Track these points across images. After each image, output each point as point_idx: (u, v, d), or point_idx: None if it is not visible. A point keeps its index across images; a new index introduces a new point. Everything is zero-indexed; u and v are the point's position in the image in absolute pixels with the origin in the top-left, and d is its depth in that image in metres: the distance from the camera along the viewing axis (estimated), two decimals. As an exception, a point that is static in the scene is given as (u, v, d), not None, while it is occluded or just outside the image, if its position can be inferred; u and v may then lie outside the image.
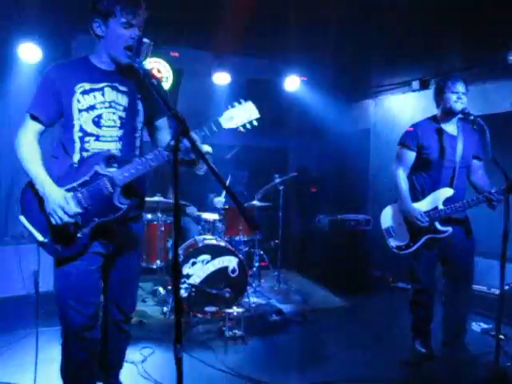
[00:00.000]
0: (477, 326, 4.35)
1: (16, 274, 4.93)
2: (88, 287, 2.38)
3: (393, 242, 3.65)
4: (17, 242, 5.05)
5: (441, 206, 3.45)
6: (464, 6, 4.32)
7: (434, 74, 5.53)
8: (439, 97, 3.51)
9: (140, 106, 2.41)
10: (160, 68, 5.99)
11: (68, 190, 2.26)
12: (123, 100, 2.36)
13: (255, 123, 2.24)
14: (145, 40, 2.22)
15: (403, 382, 3.42)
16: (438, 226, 3.46)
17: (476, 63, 5.01)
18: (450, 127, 3.53)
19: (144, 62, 2.23)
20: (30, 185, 2.32)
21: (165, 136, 2.54)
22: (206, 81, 6.21)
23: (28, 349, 3.73)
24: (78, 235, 2.27)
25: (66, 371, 2.50)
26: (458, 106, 3.39)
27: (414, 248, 3.54)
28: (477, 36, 4.68)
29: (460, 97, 3.39)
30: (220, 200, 5.30)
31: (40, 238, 2.28)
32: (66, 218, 2.21)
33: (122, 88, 2.37)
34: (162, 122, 2.56)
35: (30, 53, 5.10)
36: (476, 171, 3.59)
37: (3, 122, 5.42)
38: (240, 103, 2.25)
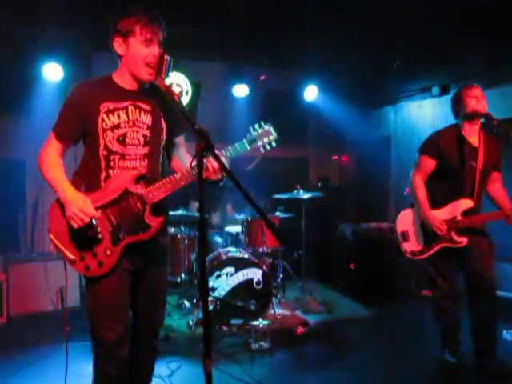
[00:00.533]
0: (508, 335, 4.25)
1: (43, 291, 5.01)
2: (119, 304, 2.39)
3: (407, 247, 3.63)
4: (44, 259, 5.14)
5: (459, 217, 3.41)
6: (483, 10, 4.30)
7: (454, 79, 5.48)
8: (458, 105, 3.47)
9: (163, 124, 2.43)
10: (179, 82, 6.06)
11: (97, 208, 2.28)
12: (147, 118, 2.38)
13: (274, 145, 2.36)
14: (166, 57, 2.24)
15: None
16: (454, 237, 3.42)
17: (495, 67, 4.95)
18: (472, 138, 3.47)
19: (165, 79, 2.26)
20: (58, 202, 2.34)
21: (181, 153, 2.58)
22: (225, 93, 6.26)
23: (56, 364, 3.78)
24: (108, 253, 2.29)
25: None
26: (480, 107, 3.35)
27: (427, 254, 3.51)
28: (496, 39, 4.64)
29: (480, 100, 3.36)
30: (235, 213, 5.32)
31: (71, 256, 2.30)
32: (86, 220, 2.22)
33: (145, 107, 2.39)
34: (181, 139, 2.60)
35: (52, 72, 5.25)
36: (494, 182, 3.55)
37: (28, 139, 5.54)
38: (261, 126, 2.35)
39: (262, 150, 2.35)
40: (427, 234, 3.51)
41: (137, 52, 2.28)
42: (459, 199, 3.43)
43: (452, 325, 3.62)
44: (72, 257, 2.29)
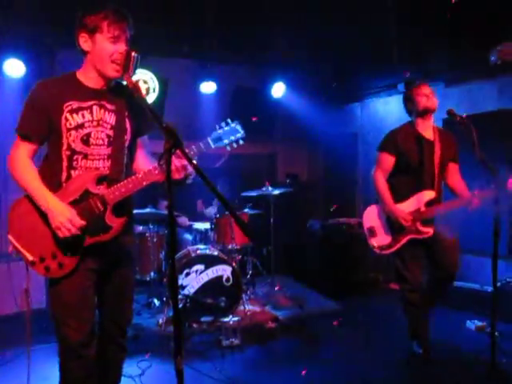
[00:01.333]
0: (471, 324, 4.38)
1: (7, 293, 4.87)
2: (83, 304, 2.35)
3: (375, 242, 3.71)
4: (7, 260, 4.99)
5: (423, 208, 3.51)
6: (448, 8, 4.39)
7: (420, 75, 5.58)
8: (410, 104, 3.62)
9: (127, 124, 2.41)
10: (146, 79, 5.98)
11: None
12: (111, 118, 2.36)
13: (241, 142, 2.35)
14: (133, 54, 2.22)
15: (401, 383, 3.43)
16: (420, 227, 3.51)
17: (460, 64, 5.07)
18: (427, 132, 3.61)
19: (132, 76, 2.23)
20: (19, 203, 2.31)
21: (142, 154, 2.56)
22: (193, 90, 6.22)
23: (21, 367, 3.69)
24: (68, 254, 2.26)
25: None
26: (431, 104, 3.50)
27: (395, 248, 3.59)
28: (460, 37, 4.75)
29: (429, 97, 3.50)
30: (211, 209, 5.30)
31: (30, 257, 2.25)
32: (73, 230, 2.20)
33: (109, 106, 2.36)
34: (144, 140, 2.58)
35: (14, 68, 5.07)
36: (453, 174, 3.68)
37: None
38: (227, 124, 2.33)
39: (228, 148, 2.33)
40: (394, 227, 3.59)
41: (103, 48, 2.24)
42: (421, 191, 3.54)
43: (419, 317, 3.70)
44: (31, 258, 2.25)
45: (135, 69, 2.24)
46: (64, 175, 2.31)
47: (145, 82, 5.93)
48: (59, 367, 2.45)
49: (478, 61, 4.72)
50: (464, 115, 3.34)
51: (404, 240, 3.57)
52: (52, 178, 2.31)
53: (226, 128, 2.32)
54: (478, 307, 4.55)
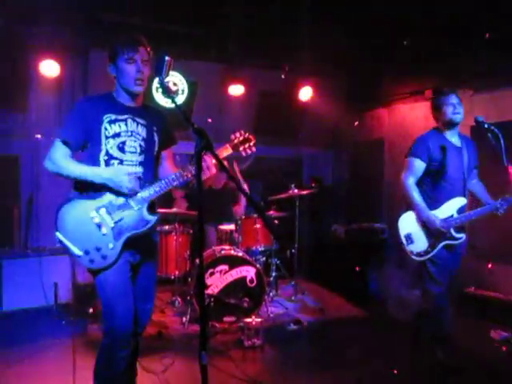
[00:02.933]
0: (495, 334, 4.32)
1: (37, 286, 5.03)
2: (128, 293, 2.56)
3: (412, 248, 3.68)
4: (38, 255, 5.15)
5: (456, 215, 3.53)
6: (476, 15, 4.37)
7: (447, 82, 5.54)
8: (438, 112, 3.64)
9: (156, 138, 2.71)
10: (175, 81, 6.10)
11: (99, 208, 2.50)
12: (142, 131, 2.66)
13: (254, 149, 2.71)
14: (166, 58, 2.34)
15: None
16: (454, 233, 3.53)
17: (489, 71, 5.03)
18: (454, 139, 3.65)
19: (166, 78, 2.38)
20: (67, 203, 2.53)
21: (167, 164, 2.85)
22: (220, 93, 6.30)
23: (50, 359, 3.83)
24: (111, 246, 2.48)
25: (103, 381, 2.60)
26: (457, 118, 3.54)
27: (432, 254, 3.59)
28: (488, 44, 4.71)
29: (456, 107, 3.53)
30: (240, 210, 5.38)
31: (77, 252, 2.47)
32: (133, 182, 2.50)
33: (141, 121, 2.66)
34: (169, 152, 2.87)
35: (49, 69, 5.22)
36: (472, 178, 3.74)
37: (24, 135, 5.55)
38: (241, 134, 2.69)
39: (243, 153, 2.69)
40: (430, 233, 3.59)
41: (123, 70, 2.55)
42: (453, 198, 3.56)
43: (445, 324, 3.68)
44: (79, 252, 2.48)
45: (168, 72, 2.38)
46: None
47: (174, 84, 6.04)
48: (100, 360, 2.58)
49: (507, 68, 4.68)
50: (491, 124, 3.35)
51: (440, 245, 3.58)
52: (90, 183, 2.53)
53: (240, 137, 2.68)
54: (503, 317, 4.50)
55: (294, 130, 7.21)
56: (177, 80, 6.09)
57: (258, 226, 5.00)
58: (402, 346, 4.17)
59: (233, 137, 2.67)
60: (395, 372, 3.54)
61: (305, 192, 5.62)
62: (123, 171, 2.50)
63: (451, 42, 4.86)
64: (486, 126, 3.37)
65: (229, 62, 6.04)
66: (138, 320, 2.71)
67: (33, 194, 5.64)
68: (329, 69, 6.45)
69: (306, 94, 6.51)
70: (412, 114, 6.46)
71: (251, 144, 2.69)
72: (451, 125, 3.59)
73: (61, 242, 2.50)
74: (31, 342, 4.18)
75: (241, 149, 2.67)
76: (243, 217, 5.18)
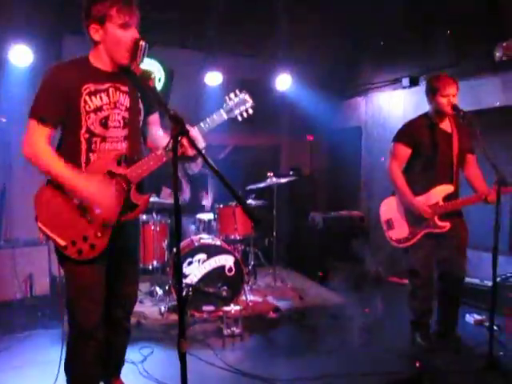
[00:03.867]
0: (470, 318, 4.41)
1: (11, 278, 4.92)
2: (99, 286, 2.41)
3: (392, 234, 3.68)
4: (11, 246, 5.04)
5: (441, 202, 3.51)
6: (452, 3, 4.40)
7: (424, 70, 5.59)
8: (431, 97, 3.55)
9: (141, 105, 2.45)
10: (152, 68, 6.00)
11: None
12: (125, 100, 2.38)
13: (251, 111, 2.49)
14: (141, 43, 2.24)
15: (403, 374, 3.45)
16: (438, 222, 3.52)
17: (464, 59, 5.07)
18: (444, 124, 3.59)
19: (140, 64, 2.28)
20: (43, 190, 2.32)
21: (155, 130, 2.61)
22: (198, 81, 6.23)
23: (25, 352, 3.76)
24: (99, 234, 2.30)
25: (72, 372, 2.51)
26: (449, 109, 3.44)
27: (412, 241, 3.59)
28: (465, 32, 4.76)
29: (450, 99, 3.43)
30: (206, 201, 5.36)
31: (62, 242, 2.28)
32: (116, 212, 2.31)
33: (123, 88, 2.39)
34: (155, 117, 2.63)
35: (20, 56, 5.05)
36: (470, 165, 3.66)
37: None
38: (236, 95, 2.46)
39: (239, 117, 2.47)
40: (412, 220, 3.58)
41: (116, 37, 2.24)
42: (440, 185, 3.52)
43: (426, 311, 3.71)
44: (63, 243, 2.28)
45: (143, 57, 2.27)
46: (83, 158, 2.32)
47: (151, 72, 5.94)
48: (67, 352, 2.50)
49: (483, 56, 4.73)
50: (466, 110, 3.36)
51: (421, 234, 3.56)
52: (70, 163, 2.29)
53: (235, 99, 2.44)
54: (478, 301, 4.59)
55: (272, 119, 7.19)
56: (153, 67, 5.99)
57: (236, 214, 5.00)
58: (382, 330, 4.26)
59: (227, 98, 2.44)
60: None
61: (283, 180, 5.61)
62: (108, 193, 2.25)
63: (428, 29, 4.89)
64: (461, 113, 3.39)
65: (206, 50, 5.98)
66: (123, 304, 2.66)
67: (5, 185, 5.50)
68: (306, 57, 6.43)
69: (283, 82, 6.49)
70: (389, 102, 6.50)
71: (247, 106, 2.45)
72: (441, 115, 3.53)
73: (44, 233, 2.29)
74: (6, 335, 4.10)
75: (236, 112, 2.44)
76: (221, 205, 5.17)
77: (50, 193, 2.30)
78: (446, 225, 3.52)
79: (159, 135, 2.59)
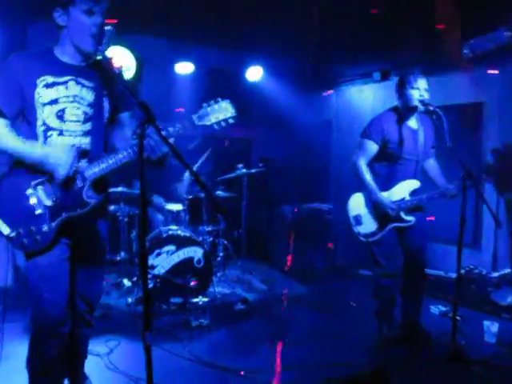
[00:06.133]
0: (435, 309, 4.51)
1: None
2: (61, 278, 2.33)
3: (360, 230, 3.72)
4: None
5: (407, 198, 3.57)
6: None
7: (395, 65, 5.65)
8: (401, 91, 3.59)
9: (106, 103, 2.39)
10: (121, 56, 5.87)
11: (36, 184, 2.23)
12: (88, 95, 2.33)
13: (231, 121, 2.29)
14: (107, 27, 2.20)
15: (369, 365, 3.48)
16: (404, 216, 3.58)
17: (434, 55, 5.14)
18: (411, 121, 3.65)
19: (106, 51, 2.22)
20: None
21: (127, 132, 2.52)
22: (169, 70, 6.14)
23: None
24: (45, 229, 2.23)
25: (33, 368, 2.42)
26: (419, 103, 3.47)
27: (379, 236, 3.64)
28: (435, 28, 4.81)
29: (422, 94, 3.48)
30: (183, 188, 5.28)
31: (6, 230, 2.21)
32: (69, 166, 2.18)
33: (87, 83, 2.33)
34: (125, 117, 2.55)
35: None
36: (429, 157, 3.77)
37: None
38: (216, 102, 2.27)
39: (215, 126, 2.28)
40: (379, 216, 3.62)
41: (79, 22, 2.19)
42: (405, 180, 3.60)
43: (390, 302, 3.78)
44: (7, 231, 2.21)
45: (109, 43, 2.23)
46: None
47: (121, 61, 5.82)
48: (30, 347, 2.42)
49: (452, 53, 4.80)
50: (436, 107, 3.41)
51: (388, 227, 3.61)
52: None
53: (214, 106, 2.26)
54: (443, 293, 4.70)
55: (243, 110, 7.15)
56: (123, 55, 5.87)
57: (205, 205, 4.97)
58: (349, 321, 4.31)
59: (204, 104, 2.26)
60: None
61: (253, 171, 5.59)
62: (65, 148, 2.19)
63: (399, 23, 4.92)
64: (431, 108, 3.43)
65: (178, 39, 5.89)
66: (86, 299, 2.59)
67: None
68: (278, 49, 6.41)
69: (255, 73, 6.46)
70: (360, 96, 6.55)
71: (228, 116, 2.27)
72: (411, 109, 3.56)
73: None
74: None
75: (212, 120, 2.25)
76: (190, 196, 5.12)
77: (4, 180, 2.27)
78: (412, 219, 3.59)
79: (122, 138, 2.52)
